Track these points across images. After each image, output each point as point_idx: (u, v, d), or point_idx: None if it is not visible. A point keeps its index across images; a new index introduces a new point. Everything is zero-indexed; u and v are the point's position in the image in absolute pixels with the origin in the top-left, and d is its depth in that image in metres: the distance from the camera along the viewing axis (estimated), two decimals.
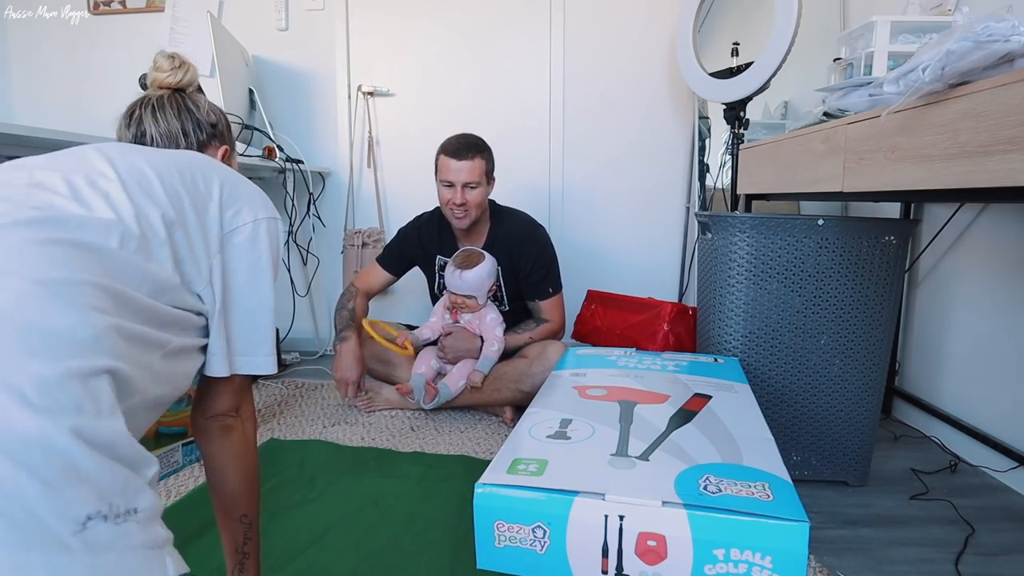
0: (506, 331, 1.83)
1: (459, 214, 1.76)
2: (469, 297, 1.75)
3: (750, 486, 0.69)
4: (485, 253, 1.77)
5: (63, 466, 0.40)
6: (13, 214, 0.49)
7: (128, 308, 0.53)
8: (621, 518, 0.67)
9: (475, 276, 1.72)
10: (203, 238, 0.68)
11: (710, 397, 1.03)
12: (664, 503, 0.66)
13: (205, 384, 0.76)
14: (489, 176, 1.80)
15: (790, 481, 0.71)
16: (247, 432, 0.80)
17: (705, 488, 0.69)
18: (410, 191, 2.53)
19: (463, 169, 1.73)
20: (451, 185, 1.74)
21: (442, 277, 1.85)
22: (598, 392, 1.05)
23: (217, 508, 0.79)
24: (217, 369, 0.71)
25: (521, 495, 0.69)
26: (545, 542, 0.69)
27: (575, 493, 0.68)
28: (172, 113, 0.83)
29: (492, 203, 1.91)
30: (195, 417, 0.78)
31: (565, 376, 1.17)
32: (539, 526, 0.69)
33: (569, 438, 0.85)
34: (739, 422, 0.91)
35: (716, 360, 1.30)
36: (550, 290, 1.86)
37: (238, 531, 0.79)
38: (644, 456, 0.78)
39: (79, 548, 0.40)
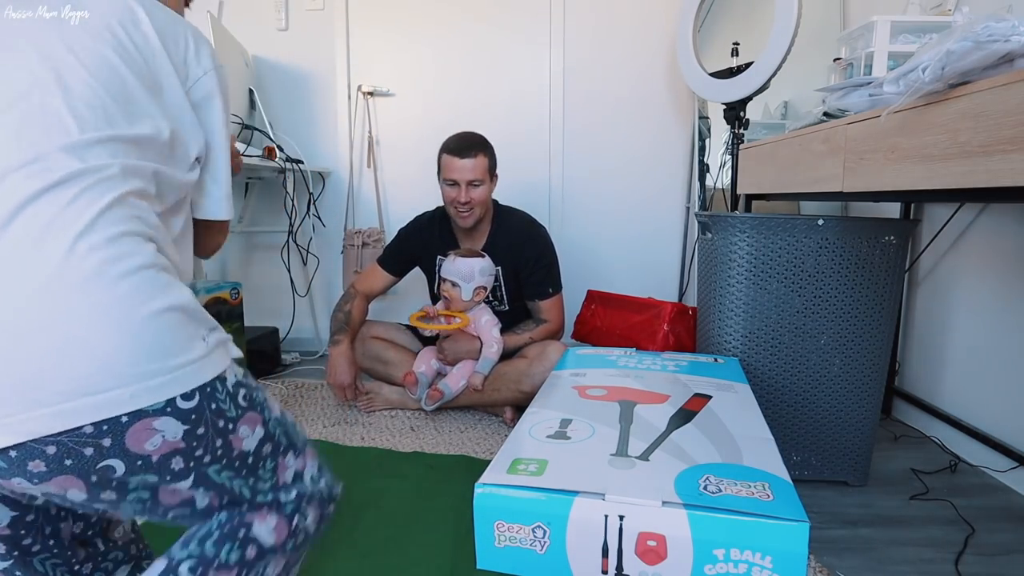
0: (506, 332, 1.83)
1: (464, 212, 1.77)
2: (455, 285, 1.76)
3: (750, 486, 0.69)
4: (487, 256, 1.80)
5: None
6: None
7: None
8: (621, 518, 0.67)
9: (468, 265, 1.75)
10: None
11: (710, 397, 1.03)
12: (664, 503, 0.66)
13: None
14: (492, 173, 1.81)
15: (790, 481, 0.72)
16: None
17: (705, 488, 0.69)
18: (410, 191, 2.53)
19: (467, 167, 1.74)
20: (455, 184, 1.75)
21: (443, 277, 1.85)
22: (598, 392, 1.05)
23: None
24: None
25: (521, 495, 0.70)
26: (545, 542, 0.69)
27: (575, 493, 0.68)
28: None
29: (494, 203, 1.91)
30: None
31: (565, 376, 1.17)
32: (539, 526, 0.69)
33: (569, 438, 0.85)
34: (739, 422, 0.91)
35: (716, 360, 1.30)
36: (550, 290, 1.86)
37: None
38: (644, 456, 0.78)
39: None
